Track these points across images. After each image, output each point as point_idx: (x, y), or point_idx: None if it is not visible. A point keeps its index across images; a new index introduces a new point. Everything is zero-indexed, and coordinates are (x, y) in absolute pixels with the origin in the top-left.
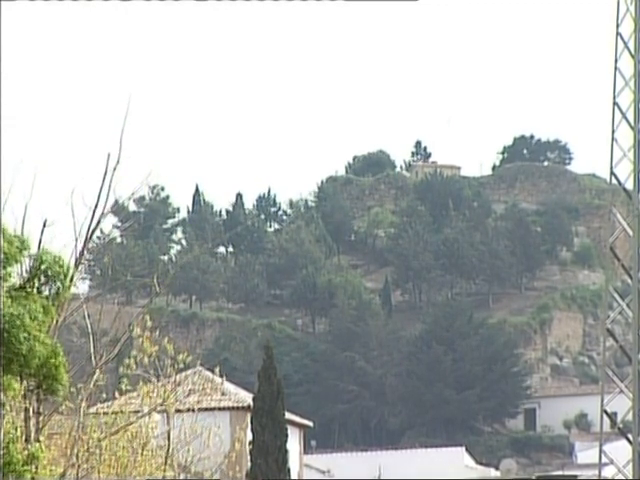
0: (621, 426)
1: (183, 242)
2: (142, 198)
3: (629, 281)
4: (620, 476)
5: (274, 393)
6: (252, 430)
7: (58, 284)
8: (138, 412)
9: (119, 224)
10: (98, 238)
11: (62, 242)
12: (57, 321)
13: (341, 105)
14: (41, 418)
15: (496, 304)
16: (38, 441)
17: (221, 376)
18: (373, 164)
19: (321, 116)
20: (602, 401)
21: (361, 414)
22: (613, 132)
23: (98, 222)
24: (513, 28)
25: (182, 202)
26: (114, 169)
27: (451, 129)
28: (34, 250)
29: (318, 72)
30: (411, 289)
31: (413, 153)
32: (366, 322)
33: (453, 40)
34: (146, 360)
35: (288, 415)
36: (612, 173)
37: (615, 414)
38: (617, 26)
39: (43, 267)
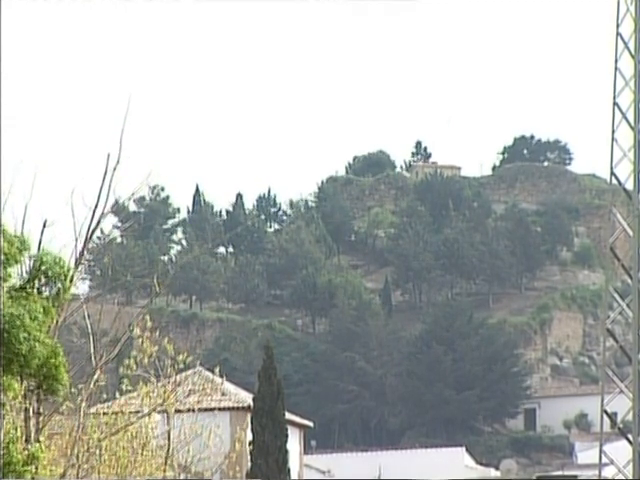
0: (621, 426)
1: (183, 242)
2: (142, 198)
3: (629, 281)
4: (620, 476)
5: (274, 393)
6: (252, 430)
7: (58, 285)
8: (138, 412)
9: (119, 224)
10: (98, 238)
11: (62, 242)
12: (57, 321)
13: (341, 105)
14: (41, 418)
15: (496, 304)
16: (38, 441)
17: (221, 376)
18: (373, 164)
19: (321, 116)
20: (602, 401)
21: (361, 414)
22: (613, 132)
23: (98, 222)
24: (513, 28)
25: (182, 202)
26: (114, 169)
27: (451, 129)
28: (34, 250)
29: (318, 72)
30: (411, 289)
31: (413, 153)
32: (366, 322)
33: (453, 40)
34: (146, 360)
35: (288, 415)
36: (612, 173)
37: (615, 414)
38: (617, 26)
39: (43, 268)
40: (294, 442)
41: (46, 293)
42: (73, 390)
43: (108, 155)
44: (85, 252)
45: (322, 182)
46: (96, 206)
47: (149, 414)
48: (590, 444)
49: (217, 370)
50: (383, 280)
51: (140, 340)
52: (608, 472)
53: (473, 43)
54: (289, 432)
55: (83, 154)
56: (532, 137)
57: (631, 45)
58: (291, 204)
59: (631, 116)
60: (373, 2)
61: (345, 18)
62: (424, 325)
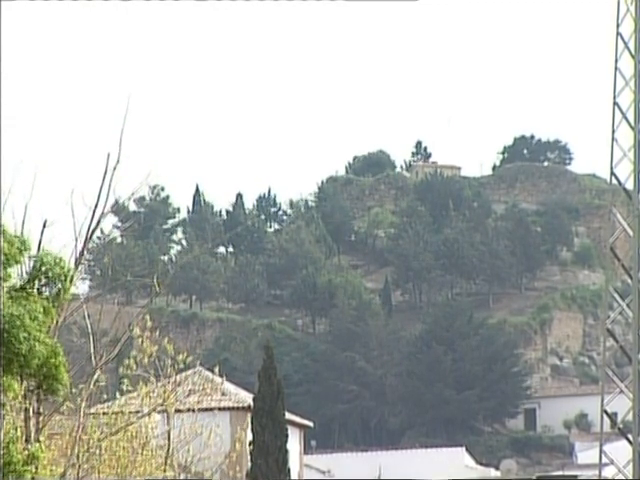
0: (621, 426)
1: (183, 242)
2: (142, 198)
3: (629, 281)
4: (620, 476)
5: (274, 393)
6: (252, 430)
7: (58, 285)
8: (138, 412)
9: (119, 224)
10: (98, 238)
11: (62, 242)
12: (57, 321)
13: (341, 105)
14: (41, 418)
15: (496, 304)
16: (38, 441)
17: (221, 376)
18: (373, 164)
19: (321, 116)
20: (602, 401)
21: (361, 414)
22: (613, 132)
23: (98, 222)
24: (513, 28)
25: (182, 202)
26: (114, 169)
27: (451, 129)
28: (34, 250)
29: (318, 72)
30: (411, 289)
31: (413, 153)
32: (366, 322)
33: (453, 40)
34: (146, 360)
35: (288, 415)
36: (612, 173)
37: (615, 414)
38: (617, 26)
39: (44, 268)
40: (294, 442)
41: (46, 293)
42: (73, 390)
43: (108, 155)
44: (85, 252)
45: (322, 182)
46: (96, 206)
47: (149, 414)
48: (590, 444)
49: (217, 369)
50: (383, 280)
51: (140, 340)
52: (608, 472)
53: (473, 43)
54: (289, 432)
55: (83, 154)
56: (532, 137)
57: (631, 45)
58: (291, 204)
59: (631, 116)
60: (373, 2)
61: (345, 18)
62: (424, 325)
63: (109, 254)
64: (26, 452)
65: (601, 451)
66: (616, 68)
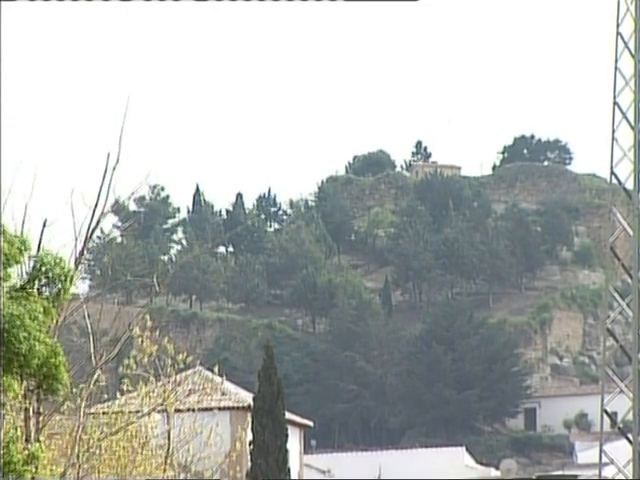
0: (621, 426)
1: (183, 242)
2: (142, 198)
3: (629, 281)
4: (620, 476)
5: (274, 393)
6: (252, 430)
7: (59, 285)
8: (138, 412)
9: (119, 224)
10: (98, 238)
11: (62, 242)
12: (57, 321)
13: (341, 105)
14: (41, 418)
15: (496, 304)
16: (38, 441)
17: (220, 375)
18: (373, 164)
19: (321, 116)
20: (602, 401)
21: (361, 414)
22: (613, 132)
23: (98, 222)
24: (513, 28)
25: (182, 202)
26: (114, 169)
27: (451, 129)
28: (34, 250)
29: (318, 72)
30: (411, 289)
31: (413, 153)
32: (366, 322)
33: (453, 40)
34: (146, 360)
35: (288, 415)
36: (612, 173)
37: (615, 414)
38: (617, 26)
39: (44, 269)
40: (294, 442)
41: (46, 293)
42: (74, 390)
43: (108, 154)
44: (85, 252)
45: (322, 182)
46: (96, 206)
47: (149, 414)
48: (590, 444)
49: (216, 368)
50: (383, 280)
51: (140, 340)
52: (608, 472)
53: (473, 43)
54: (289, 432)
55: (83, 154)
56: (532, 137)
57: (631, 45)
58: (291, 204)
59: (631, 116)
60: (373, 2)
61: (345, 18)
62: (424, 325)
63: (109, 254)
64: (26, 452)
65: (601, 451)
66: (616, 68)
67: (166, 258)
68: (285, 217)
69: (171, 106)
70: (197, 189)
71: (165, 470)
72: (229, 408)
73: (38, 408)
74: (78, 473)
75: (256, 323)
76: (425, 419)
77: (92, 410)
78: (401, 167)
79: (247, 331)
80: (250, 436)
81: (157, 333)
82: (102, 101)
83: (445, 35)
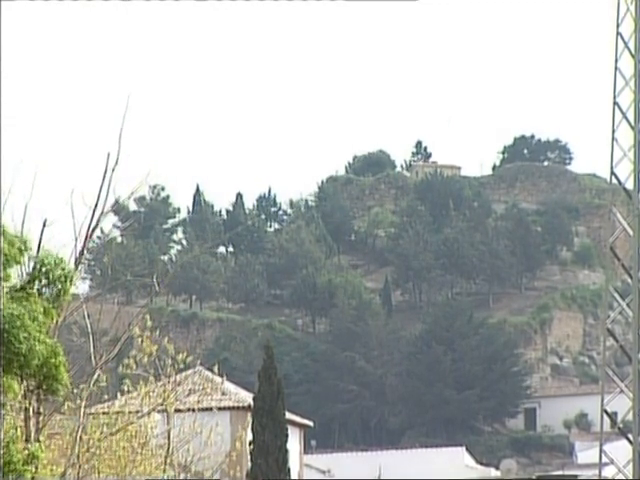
0: (621, 426)
1: (183, 242)
2: (142, 198)
3: (629, 281)
4: (620, 476)
5: (274, 393)
6: (252, 430)
7: (59, 286)
8: (138, 412)
9: (119, 224)
10: (98, 238)
11: (62, 242)
12: (57, 321)
13: (341, 105)
14: (41, 418)
15: (496, 304)
16: (38, 441)
17: (220, 375)
18: (373, 164)
19: (321, 116)
20: (602, 401)
21: (361, 414)
22: (613, 132)
23: (98, 222)
24: (513, 28)
25: (182, 202)
26: (114, 168)
27: (451, 129)
28: (34, 250)
29: (318, 72)
30: (411, 289)
31: (413, 153)
32: (366, 322)
33: (453, 40)
34: (145, 360)
35: (288, 415)
36: (612, 173)
37: (615, 414)
38: (617, 26)
39: (44, 269)
40: (294, 442)
41: (46, 294)
42: (75, 390)
43: (108, 154)
44: (85, 252)
45: (322, 182)
46: (96, 205)
47: (149, 414)
48: (590, 444)
49: (216, 369)
50: (383, 280)
51: (140, 340)
52: (608, 472)
53: (473, 43)
54: (289, 432)
55: (83, 154)
56: (532, 137)
57: (631, 45)
58: (291, 204)
59: (631, 116)
60: (373, 2)
61: (345, 18)
62: (424, 325)
63: (109, 254)
64: (26, 452)
65: (601, 451)
66: (616, 68)
67: (166, 258)
68: (285, 217)
69: (171, 106)
70: (197, 189)
71: (165, 470)
72: (229, 408)
73: (38, 408)
74: (78, 473)
75: (256, 323)
76: (425, 419)
77: (92, 410)
78: (401, 167)
79: (247, 331)
80: (250, 436)
81: (157, 333)
82: (102, 101)
83: (445, 35)
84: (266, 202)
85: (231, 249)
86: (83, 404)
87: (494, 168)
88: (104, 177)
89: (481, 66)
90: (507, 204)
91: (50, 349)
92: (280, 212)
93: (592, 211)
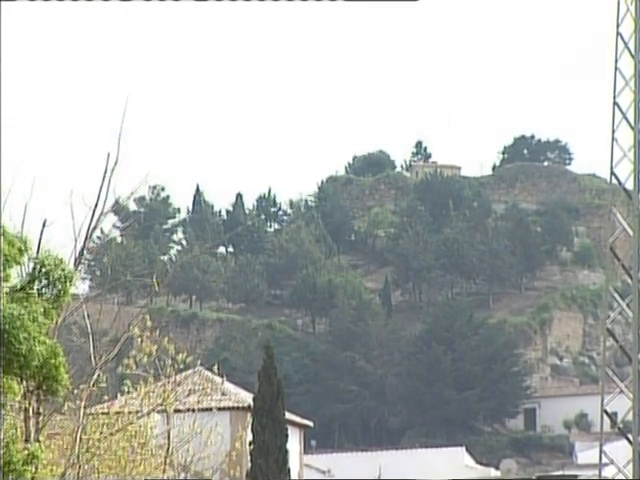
0: (621, 426)
1: (183, 242)
2: (142, 198)
3: (629, 281)
4: (620, 476)
5: (274, 393)
6: (252, 430)
7: (59, 287)
8: (138, 412)
9: (119, 224)
10: (98, 238)
11: (61, 242)
12: (57, 321)
13: (341, 105)
14: (41, 418)
15: (496, 304)
16: (38, 441)
17: (220, 375)
18: (373, 164)
19: (321, 116)
20: (602, 401)
21: (361, 414)
22: (613, 132)
23: (98, 222)
24: (513, 28)
25: (182, 202)
26: (113, 169)
27: (451, 129)
28: (34, 251)
29: (318, 72)
30: (411, 289)
31: (413, 153)
32: (366, 322)
33: (453, 40)
34: (146, 360)
35: (288, 415)
36: (612, 173)
37: (615, 414)
38: (617, 26)
39: (44, 270)
40: (294, 442)
41: (46, 295)
42: (74, 391)
43: (108, 155)
44: (85, 252)
45: (322, 182)
46: (96, 206)
47: (149, 414)
48: (590, 444)
49: (215, 368)
50: (383, 280)
51: (140, 340)
52: (608, 472)
53: (473, 42)
54: (289, 432)
55: (83, 154)
56: (532, 137)
57: (631, 45)
58: (291, 204)
59: (631, 116)
60: (373, 2)
61: (345, 18)
62: (424, 325)
63: (109, 254)
64: (26, 452)
65: (601, 451)
66: (616, 68)
67: (166, 258)
68: (285, 217)
69: (171, 106)
70: (197, 189)
71: (165, 470)
72: (229, 408)
73: (38, 408)
74: (78, 473)
75: (256, 323)
76: (425, 419)
77: (92, 410)
78: (401, 167)
79: (247, 331)
80: (250, 436)
81: (157, 333)
82: (102, 101)
83: (445, 35)
84: (266, 202)
85: (231, 249)
86: (83, 404)
87: (494, 168)
88: (104, 177)
89: (481, 66)
90: (507, 204)
91: (50, 349)
92: (280, 212)
93: (592, 211)
